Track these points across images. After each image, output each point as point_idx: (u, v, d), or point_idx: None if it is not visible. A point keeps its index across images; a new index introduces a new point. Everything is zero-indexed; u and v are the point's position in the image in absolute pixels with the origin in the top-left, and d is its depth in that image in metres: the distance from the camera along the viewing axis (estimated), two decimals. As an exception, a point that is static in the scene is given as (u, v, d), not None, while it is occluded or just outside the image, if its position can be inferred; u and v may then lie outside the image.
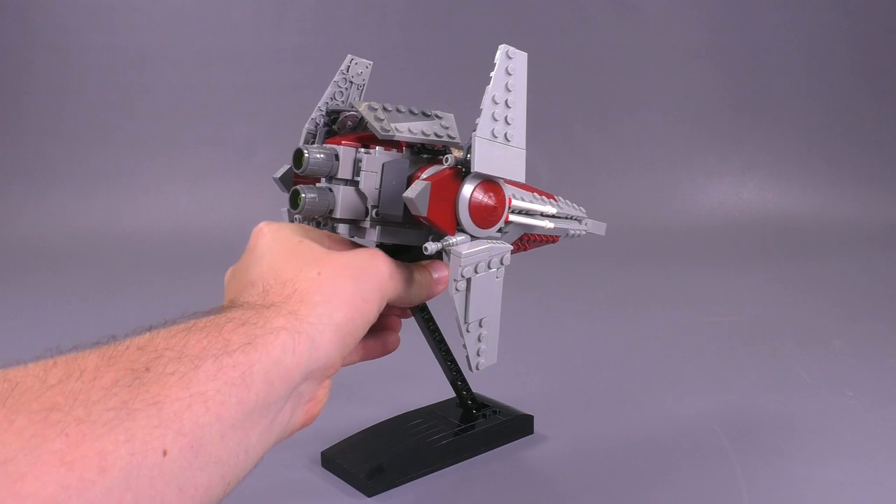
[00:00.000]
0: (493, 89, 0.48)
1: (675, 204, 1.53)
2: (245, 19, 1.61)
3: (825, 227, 1.48)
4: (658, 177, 1.58)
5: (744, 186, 1.59)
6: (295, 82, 1.55)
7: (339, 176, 0.49)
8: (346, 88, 0.58)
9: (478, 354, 0.52)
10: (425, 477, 0.58)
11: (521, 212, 0.53)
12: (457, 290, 0.50)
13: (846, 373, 0.78)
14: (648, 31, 1.64)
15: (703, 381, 0.77)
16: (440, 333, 0.60)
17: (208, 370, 0.34)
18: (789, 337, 0.89)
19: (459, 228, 0.49)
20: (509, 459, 0.61)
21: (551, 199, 0.57)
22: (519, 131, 0.49)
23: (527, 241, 0.57)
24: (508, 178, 0.50)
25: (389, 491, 0.56)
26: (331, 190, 0.49)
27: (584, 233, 0.60)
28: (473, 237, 0.50)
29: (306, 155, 0.48)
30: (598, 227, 0.62)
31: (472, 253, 0.49)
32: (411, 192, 0.47)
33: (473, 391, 0.64)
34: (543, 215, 0.55)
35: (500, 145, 0.49)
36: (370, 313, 0.43)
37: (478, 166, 0.47)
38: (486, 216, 0.50)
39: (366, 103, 0.50)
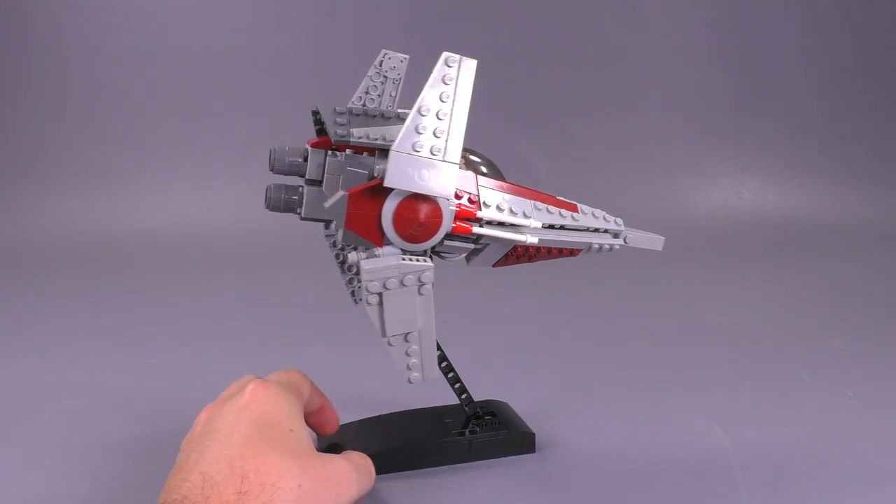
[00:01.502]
0: (422, 99, 0.46)
1: (675, 204, 1.53)
2: (245, 19, 1.61)
3: (825, 226, 1.48)
4: (658, 177, 1.58)
5: (744, 186, 1.59)
6: (295, 82, 1.55)
7: (308, 176, 0.50)
8: (381, 83, 0.58)
9: (408, 368, 0.52)
10: (420, 476, 0.58)
11: (493, 224, 0.52)
12: (368, 303, 0.49)
13: (846, 373, 0.78)
14: (648, 31, 1.64)
15: (702, 380, 0.77)
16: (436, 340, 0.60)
17: None
18: (789, 337, 0.89)
19: (388, 241, 0.49)
20: (507, 461, 0.61)
21: (570, 210, 0.55)
22: (452, 145, 0.47)
23: (531, 253, 0.55)
24: (430, 194, 0.48)
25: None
26: (300, 189, 0.50)
27: (616, 247, 0.57)
28: (405, 251, 0.49)
29: (272, 155, 0.50)
30: (647, 241, 0.59)
31: (375, 269, 0.48)
32: (328, 203, 0.47)
33: (490, 397, 0.64)
34: (528, 228, 0.53)
35: (422, 159, 0.47)
36: None
37: (389, 181, 0.46)
38: (412, 231, 0.49)
39: (332, 107, 0.51)
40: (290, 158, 0.51)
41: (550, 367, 0.82)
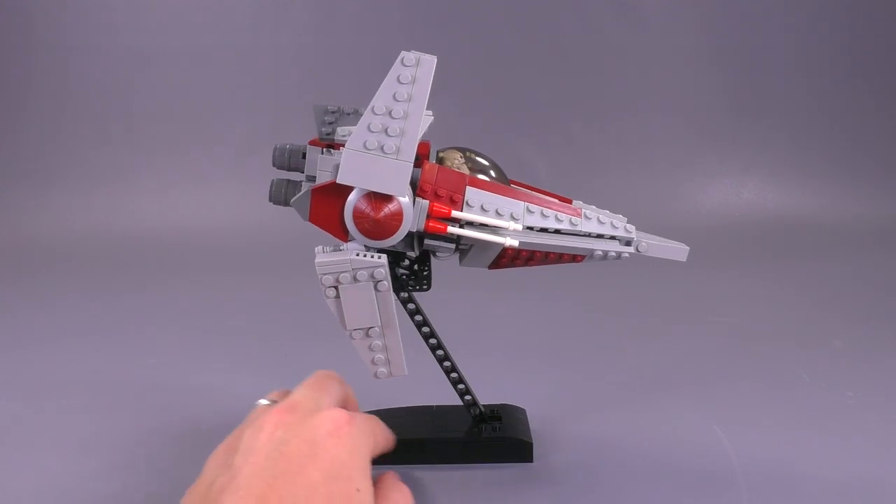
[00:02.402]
0: (376, 99, 0.47)
1: (675, 204, 1.53)
2: (245, 19, 1.61)
3: (825, 227, 1.48)
4: (658, 177, 1.57)
5: (744, 186, 1.59)
6: (295, 82, 1.55)
7: (306, 173, 0.52)
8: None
9: (374, 363, 0.53)
10: (418, 470, 0.58)
11: (474, 225, 0.52)
12: (326, 296, 0.51)
13: (846, 373, 0.78)
14: (648, 31, 1.64)
15: (702, 381, 0.77)
16: (436, 339, 0.60)
17: None
18: (789, 337, 0.89)
19: (352, 237, 0.50)
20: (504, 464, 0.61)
21: (572, 215, 0.54)
22: (406, 144, 0.47)
23: (525, 257, 0.54)
24: (380, 191, 0.49)
25: None
26: (301, 184, 0.52)
27: (625, 255, 0.56)
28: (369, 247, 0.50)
29: (275, 151, 0.52)
30: (668, 251, 0.57)
31: (326, 263, 0.49)
32: (294, 197, 0.50)
33: (489, 396, 0.63)
34: (507, 230, 0.52)
35: (376, 157, 0.47)
36: None
37: (340, 177, 0.48)
38: (370, 227, 0.50)
39: (325, 105, 0.52)
40: (291, 155, 0.53)
41: (549, 366, 0.82)
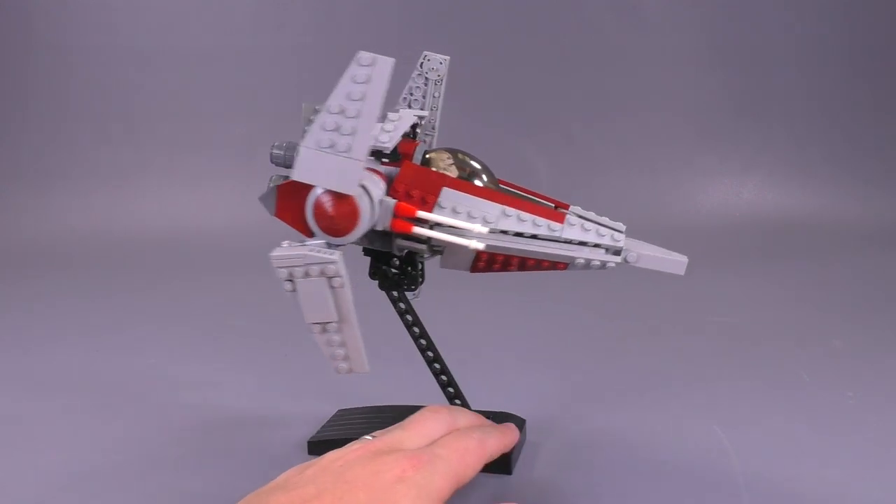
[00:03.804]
0: (330, 98, 0.48)
1: (675, 204, 1.53)
2: (245, 19, 1.61)
3: (825, 227, 1.48)
4: (658, 177, 1.58)
5: (744, 186, 1.59)
6: (295, 82, 1.55)
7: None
8: (424, 84, 0.59)
9: (334, 358, 0.53)
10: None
11: (444, 226, 0.51)
12: (284, 289, 0.51)
13: (846, 373, 0.78)
14: (648, 31, 1.64)
15: (702, 381, 0.77)
16: (426, 340, 0.59)
17: None
18: (789, 337, 0.89)
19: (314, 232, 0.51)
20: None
21: (553, 220, 0.53)
22: (358, 142, 0.48)
23: (500, 261, 0.53)
24: (332, 189, 0.49)
25: None
26: None
27: (610, 264, 0.54)
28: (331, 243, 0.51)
29: (271, 149, 0.54)
30: (663, 263, 0.55)
31: (279, 257, 0.50)
32: (262, 194, 0.52)
33: (487, 397, 0.63)
34: (472, 232, 0.51)
35: (328, 155, 0.48)
36: None
37: (296, 175, 0.49)
38: (328, 224, 0.50)
39: (313, 105, 0.53)
40: (287, 152, 0.54)
41: (549, 366, 0.82)
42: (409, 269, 0.57)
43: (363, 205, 0.50)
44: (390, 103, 0.56)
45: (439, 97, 0.60)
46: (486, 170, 0.56)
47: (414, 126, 0.58)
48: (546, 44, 1.61)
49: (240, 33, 1.60)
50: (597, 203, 0.57)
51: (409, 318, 0.58)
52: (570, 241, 0.53)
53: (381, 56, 0.47)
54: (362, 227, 0.50)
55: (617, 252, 0.54)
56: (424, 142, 0.61)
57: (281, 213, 0.52)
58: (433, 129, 0.62)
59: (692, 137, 1.63)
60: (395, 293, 0.58)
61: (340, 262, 0.50)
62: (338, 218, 0.50)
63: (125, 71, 1.57)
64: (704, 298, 1.07)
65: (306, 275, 0.50)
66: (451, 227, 0.52)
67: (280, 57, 1.59)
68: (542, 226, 0.52)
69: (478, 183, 0.55)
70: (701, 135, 1.63)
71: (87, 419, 0.71)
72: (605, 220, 0.55)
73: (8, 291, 1.17)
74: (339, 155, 0.48)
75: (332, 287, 0.50)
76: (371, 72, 0.47)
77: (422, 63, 0.59)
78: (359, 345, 0.53)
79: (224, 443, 0.65)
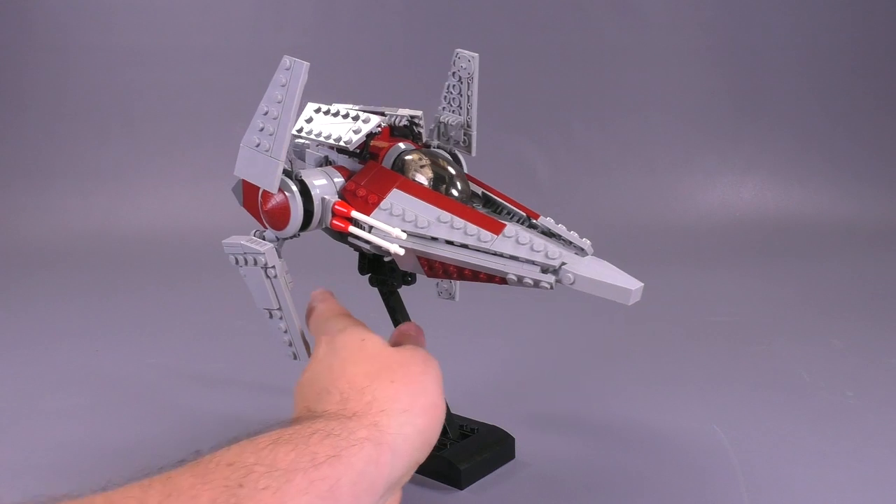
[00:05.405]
0: (263, 100, 0.50)
1: (675, 204, 1.53)
2: (245, 19, 1.61)
3: (825, 227, 1.48)
4: (658, 177, 1.57)
5: (744, 186, 1.59)
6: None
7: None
8: (458, 83, 0.59)
9: (284, 343, 0.57)
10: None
11: (365, 227, 0.52)
12: (240, 274, 0.56)
13: (846, 373, 0.78)
14: (648, 31, 1.64)
15: (702, 380, 0.77)
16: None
17: (299, 484, 0.35)
18: (789, 337, 0.89)
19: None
20: (510, 461, 0.60)
21: (489, 230, 0.49)
22: (278, 143, 0.50)
23: (438, 269, 0.51)
24: (260, 185, 0.52)
25: None
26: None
27: (545, 284, 0.47)
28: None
29: None
30: (606, 289, 0.49)
31: (226, 244, 0.55)
32: (234, 185, 0.56)
33: (485, 397, 0.63)
34: (391, 236, 0.50)
35: (255, 154, 0.51)
36: (442, 416, 0.45)
37: (236, 170, 0.52)
38: (267, 218, 0.54)
39: (313, 105, 0.55)
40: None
41: (548, 365, 0.82)
42: (378, 266, 0.58)
43: (293, 202, 0.52)
44: (432, 105, 0.57)
45: (472, 95, 0.57)
46: (460, 176, 0.55)
47: (413, 125, 0.58)
48: (546, 44, 1.61)
49: (240, 33, 1.60)
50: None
51: (397, 317, 0.59)
52: (500, 255, 0.48)
53: (297, 60, 0.49)
54: (296, 222, 0.52)
55: (552, 271, 0.48)
56: (460, 143, 0.59)
57: (246, 204, 0.56)
58: (469, 126, 0.58)
59: (692, 137, 1.63)
60: (385, 289, 0.59)
61: (270, 253, 0.53)
62: (270, 213, 0.53)
63: (125, 71, 1.57)
64: (704, 298, 1.07)
65: (245, 263, 0.54)
66: (377, 228, 0.51)
67: (280, 57, 1.58)
68: (473, 235, 0.49)
69: (453, 193, 0.53)
70: (701, 134, 1.63)
71: (87, 419, 0.71)
72: (573, 234, 0.50)
73: (8, 291, 1.17)
74: (263, 154, 0.51)
75: (267, 276, 0.54)
76: (291, 75, 0.50)
77: (454, 61, 0.58)
78: (297, 334, 0.56)
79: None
